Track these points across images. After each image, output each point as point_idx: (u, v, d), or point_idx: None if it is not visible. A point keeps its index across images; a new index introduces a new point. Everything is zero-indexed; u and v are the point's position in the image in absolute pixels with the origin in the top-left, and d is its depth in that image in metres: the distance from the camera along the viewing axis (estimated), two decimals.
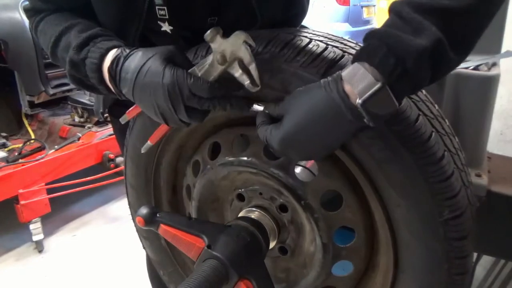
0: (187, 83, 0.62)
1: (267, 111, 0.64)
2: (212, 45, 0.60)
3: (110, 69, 0.69)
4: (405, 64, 0.49)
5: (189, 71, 0.63)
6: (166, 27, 0.81)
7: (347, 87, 0.52)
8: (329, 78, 0.55)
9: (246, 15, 0.80)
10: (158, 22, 0.80)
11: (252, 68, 0.61)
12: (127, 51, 0.69)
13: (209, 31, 0.59)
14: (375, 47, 0.51)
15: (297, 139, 0.58)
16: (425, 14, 0.48)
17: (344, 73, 0.53)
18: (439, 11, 0.48)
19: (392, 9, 0.52)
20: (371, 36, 0.53)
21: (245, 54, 0.60)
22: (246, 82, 0.61)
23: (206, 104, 0.63)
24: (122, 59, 0.68)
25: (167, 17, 0.79)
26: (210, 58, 0.62)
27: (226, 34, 0.61)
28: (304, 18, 0.94)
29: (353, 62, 0.54)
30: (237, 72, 0.61)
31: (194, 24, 0.82)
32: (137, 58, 0.67)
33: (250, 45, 0.60)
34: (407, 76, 0.50)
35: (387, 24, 0.52)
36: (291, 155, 0.61)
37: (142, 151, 0.82)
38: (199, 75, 0.63)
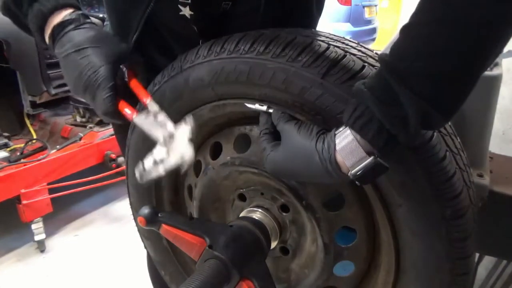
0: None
1: (270, 110, 0.65)
2: None
3: (54, 28, 0.70)
4: (396, 139, 0.51)
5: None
6: (186, 12, 0.79)
7: (339, 158, 0.55)
8: (324, 145, 0.56)
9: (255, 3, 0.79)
10: (179, 6, 0.79)
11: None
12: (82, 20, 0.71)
13: None
14: (367, 121, 0.52)
15: (288, 174, 0.65)
16: (412, 85, 0.48)
17: (338, 145, 0.55)
18: (426, 81, 0.47)
19: (380, 74, 0.51)
20: (361, 98, 0.52)
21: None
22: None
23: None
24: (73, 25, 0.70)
25: (189, 1, 0.78)
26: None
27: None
28: (303, 15, 0.92)
29: (345, 124, 0.55)
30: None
31: (211, 8, 0.81)
32: (84, 36, 0.70)
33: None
34: (398, 146, 0.53)
35: (375, 86, 0.51)
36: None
37: None
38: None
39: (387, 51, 0.51)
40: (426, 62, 0.47)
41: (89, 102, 0.73)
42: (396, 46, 0.50)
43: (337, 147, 0.55)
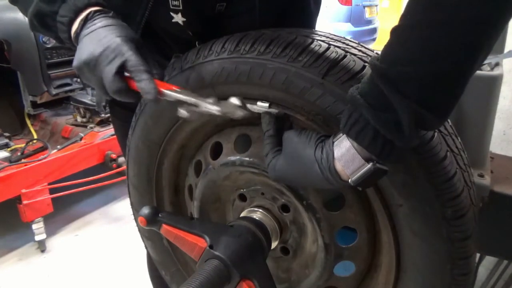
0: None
1: (272, 110, 0.66)
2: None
3: (89, 13, 0.71)
4: (393, 143, 0.51)
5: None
6: (178, 19, 0.80)
7: (338, 167, 0.55)
8: (323, 154, 0.57)
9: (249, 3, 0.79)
10: (170, 13, 0.79)
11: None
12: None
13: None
14: (362, 128, 0.52)
15: (289, 181, 0.67)
16: (403, 90, 0.47)
17: (336, 153, 0.55)
18: (417, 85, 0.47)
19: (372, 79, 0.50)
20: (355, 105, 0.52)
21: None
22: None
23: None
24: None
25: (180, 7, 0.78)
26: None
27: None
28: (301, 12, 0.91)
29: (341, 131, 0.55)
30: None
31: (205, 12, 0.81)
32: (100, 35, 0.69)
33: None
34: (396, 149, 0.52)
35: (367, 93, 0.51)
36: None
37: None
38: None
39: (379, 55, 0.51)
40: (416, 66, 0.47)
41: (100, 72, 0.70)
42: (386, 51, 0.50)
43: (336, 156, 0.55)
